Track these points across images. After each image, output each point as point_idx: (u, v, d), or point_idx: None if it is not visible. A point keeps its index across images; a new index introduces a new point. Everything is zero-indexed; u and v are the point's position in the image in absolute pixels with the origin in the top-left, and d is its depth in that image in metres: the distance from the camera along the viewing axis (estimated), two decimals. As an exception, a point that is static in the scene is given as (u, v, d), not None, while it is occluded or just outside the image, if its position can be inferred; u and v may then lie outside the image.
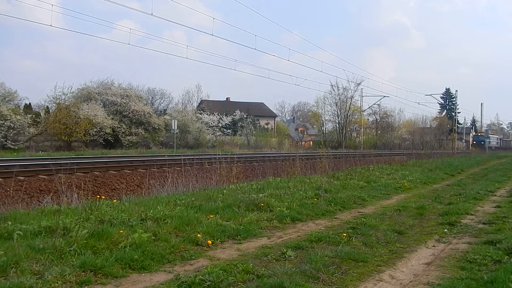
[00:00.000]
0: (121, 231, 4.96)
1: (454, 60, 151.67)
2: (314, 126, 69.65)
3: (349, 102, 57.01)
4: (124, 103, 36.03)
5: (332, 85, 55.13)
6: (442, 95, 75.09)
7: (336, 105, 57.54)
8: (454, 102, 69.82)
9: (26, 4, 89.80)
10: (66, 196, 7.42)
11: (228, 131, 49.89)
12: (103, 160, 19.42)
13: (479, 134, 71.06)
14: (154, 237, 4.97)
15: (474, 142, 66.07)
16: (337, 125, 58.49)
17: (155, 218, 5.82)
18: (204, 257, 4.70)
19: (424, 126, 71.84)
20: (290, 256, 4.77)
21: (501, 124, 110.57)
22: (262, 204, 7.29)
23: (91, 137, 31.77)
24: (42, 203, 7.43)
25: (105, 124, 32.71)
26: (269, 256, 4.76)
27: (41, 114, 34.73)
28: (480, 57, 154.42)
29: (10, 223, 4.94)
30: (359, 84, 53.15)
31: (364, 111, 58.22)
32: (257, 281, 3.86)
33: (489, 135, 74.19)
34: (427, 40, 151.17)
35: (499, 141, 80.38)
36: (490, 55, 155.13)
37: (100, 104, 35.61)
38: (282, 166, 15.20)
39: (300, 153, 19.85)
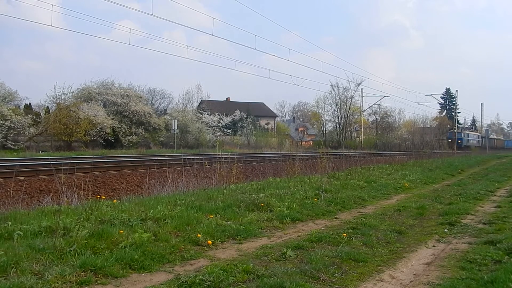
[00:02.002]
0: (121, 231, 4.96)
1: (454, 60, 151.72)
2: (314, 126, 69.78)
3: (349, 102, 57.23)
4: (124, 103, 36.08)
5: (332, 85, 55.40)
6: (442, 95, 75.38)
7: (336, 105, 57.75)
8: (454, 102, 69.83)
9: (26, 4, 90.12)
10: (66, 196, 7.43)
11: (228, 131, 49.97)
12: (103, 160, 19.42)
13: (454, 131, 58.16)
14: (154, 237, 4.97)
15: (449, 141, 55.09)
16: (337, 125, 58.64)
17: (155, 218, 5.82)
18: (204, 257, 4.70)
19: (424, 126, 71.57)
20: (290, 256, 4.76)
21: (501, 124, 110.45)
22: (262, 204, 7.28)
23: (91, 137, 31.81)
24: (42, 203, 7.44)
25: (105, 124, 32.75)
26: (269, 256, 4.75)
27: (41, 114, 34.79)
28: (480, 57, 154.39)
29: (10, 223, 4.94)
30: (359, 84, 53.41)
31: (364, 111, 58.43)
32: (257, 281, 3.85)
33: (468, 132, 66.54)
34: (426, 40, 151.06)
35: (481, 139, 67.79)
36: (490, 55, 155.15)
37: (100, 104, 35.66)
38: (282, 166, 15.22)
39: (300, 153, 19.85)
